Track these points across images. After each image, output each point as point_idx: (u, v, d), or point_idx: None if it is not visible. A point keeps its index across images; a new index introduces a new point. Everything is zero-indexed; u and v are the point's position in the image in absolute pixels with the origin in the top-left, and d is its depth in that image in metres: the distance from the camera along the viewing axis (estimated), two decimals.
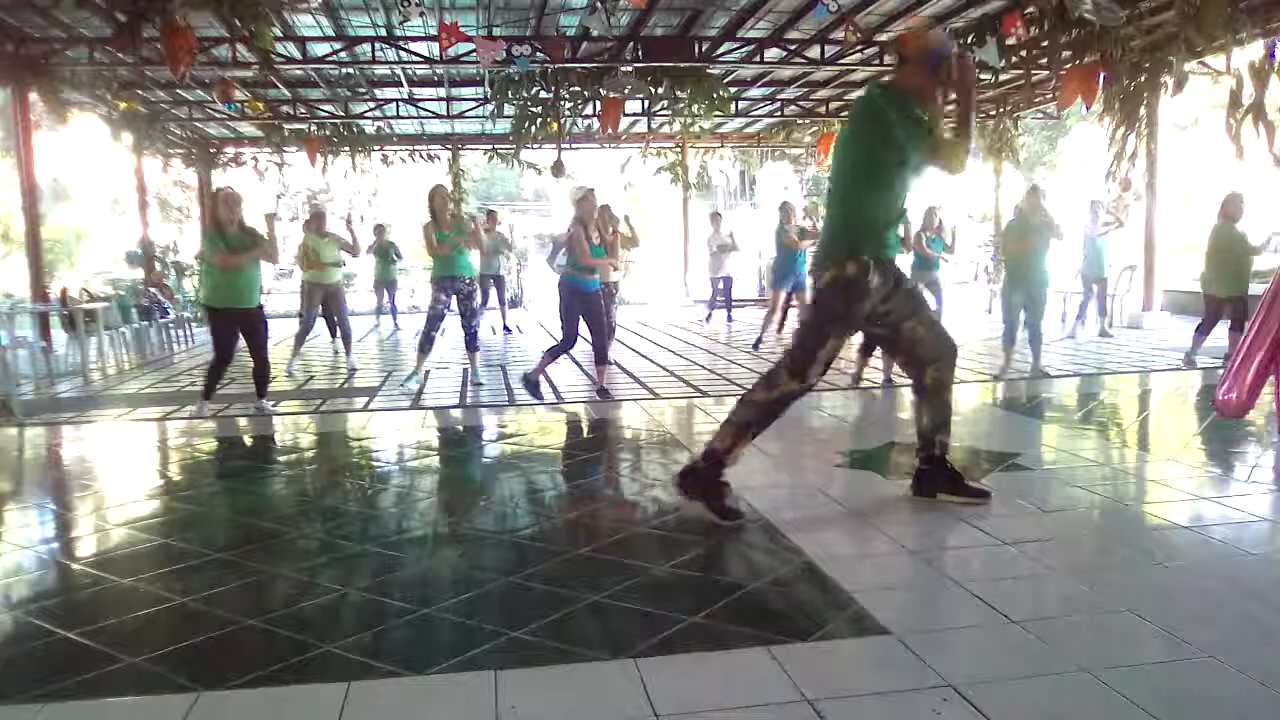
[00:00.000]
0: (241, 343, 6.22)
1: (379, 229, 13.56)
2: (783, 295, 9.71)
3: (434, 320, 7.25)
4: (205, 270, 6.22)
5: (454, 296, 7.24)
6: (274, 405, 6.55)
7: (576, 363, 8.61)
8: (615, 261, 7.37)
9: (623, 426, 5.77)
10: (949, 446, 3.63)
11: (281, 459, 5.10)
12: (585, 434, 5.71)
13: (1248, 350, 3.74)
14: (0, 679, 2.28)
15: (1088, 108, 10.20)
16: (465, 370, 7.92)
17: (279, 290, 17.72)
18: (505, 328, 12.09)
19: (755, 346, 9.45)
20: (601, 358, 6.81)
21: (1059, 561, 2.97)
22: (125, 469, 5.01)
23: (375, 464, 4.90)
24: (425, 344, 7.28)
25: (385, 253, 13.10)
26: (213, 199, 6.50)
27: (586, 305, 6.61)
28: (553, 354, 6.62)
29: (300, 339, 8.78)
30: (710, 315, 13.47)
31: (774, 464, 4.43)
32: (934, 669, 2.18)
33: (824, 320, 3.40)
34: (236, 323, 6.14)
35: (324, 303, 8.83)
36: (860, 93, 3.54)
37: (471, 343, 7.38)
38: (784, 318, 10.16)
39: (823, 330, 3.39)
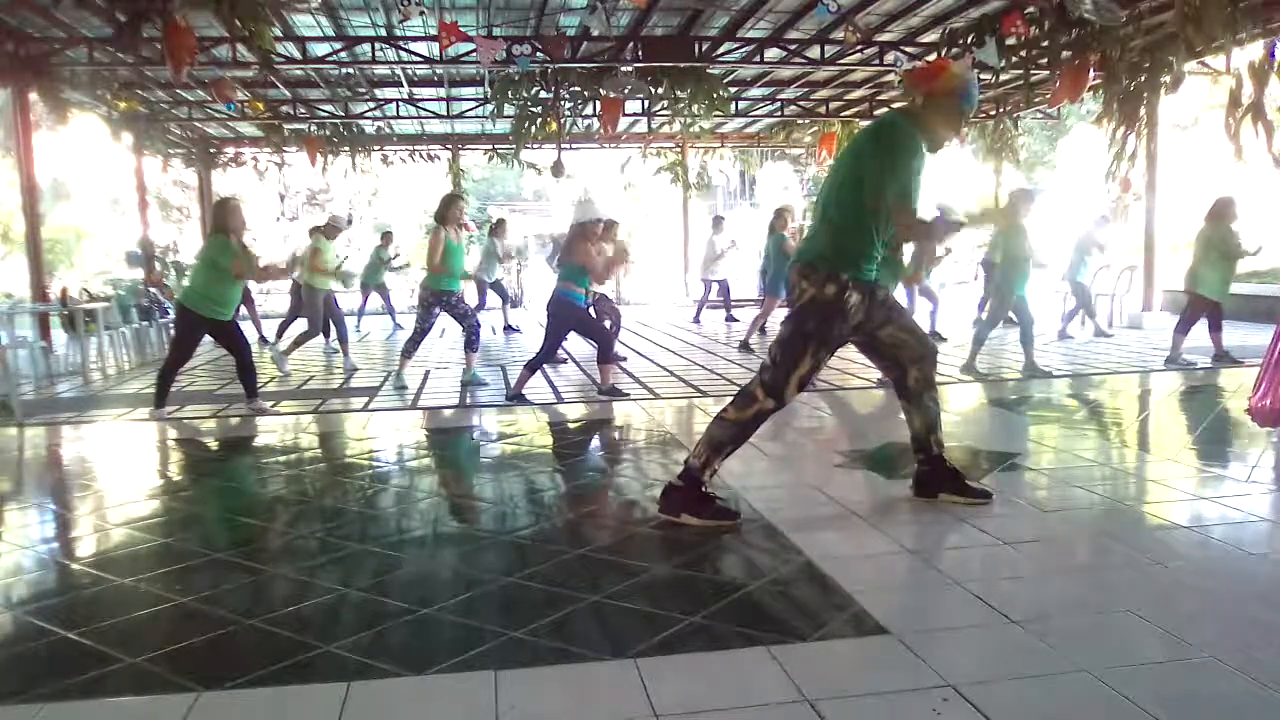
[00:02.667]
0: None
1: (387, 235, 13.71)
2: (777, 302, 9.71)
3: (423, 333, 7.34)
4: (208, 277, 6.09)
5: (443, 309, 7.26)
6: (273, 405, 6.55)
7: (577, 363, 8.61)
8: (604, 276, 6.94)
9: (622, 426, 5.77)
10: (944, 445, 3.63)
11: (281, 459, 5.10)
12: (585, 434, 5.71)
13: (1278, 355, 3.72)
14: (0, 679, 2.28)
15: (1072, 101, 10.22)
16: (464, 370, 7.92)
17: (278, 290, 17.69)
18: (507, 327, 12.15)
19: (744, 348, 9.43)
20: (605, 357, 6.79)
21: (1059, 561, 2.97)
22: (125, 469, 5.01)
23: (375, 464, 4.89)
24: (410, 349, 7.38)
25: (384, 259, 13.32)
26: (222, 206, 6.26)
27: (579, 317, 6.63)
28: (531, 368, 6.61)
29: (301, 342, 8.78)
30: (699, 315, 13.50)
31: (774, 464, 4.43)
32: (934, 669, 2.18)
33: (800, 338, 3.33)
34: (208, 332, 6.19)
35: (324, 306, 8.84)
36: (880, 115, 3.43)
37: (473, 344, 7.39)
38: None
39: (799, 349, 3.32)
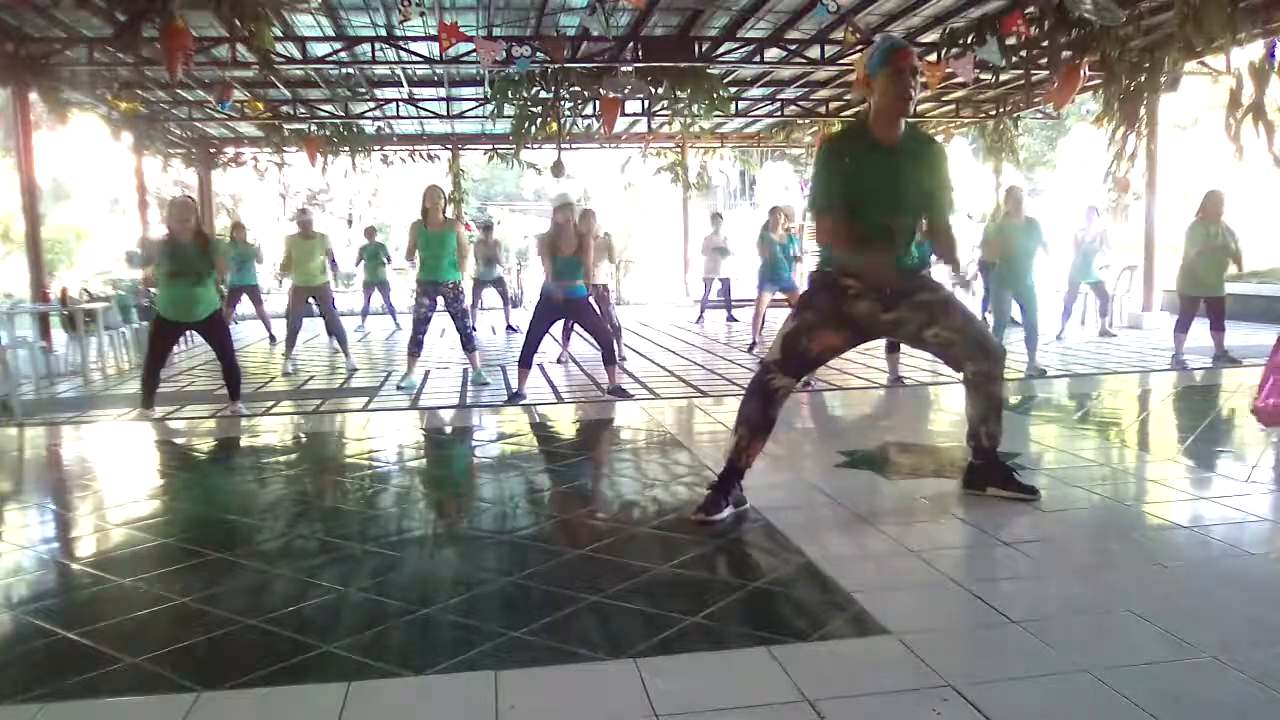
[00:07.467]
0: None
1: (369, 230, 13.86)
2: (767, 297, 9.64)
3: (420, 324, 7.30)
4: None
5: (439, 300, 7.22)
6: (247, 410, 6.46)
7: (578, 364, 8.61)
8: (574, 282, 6.55)
9: (623, 426, 5.77)
10: (998, 439, 3.62)
11: (281, 459, 5.10)
12: (585, 434, 5.70)
13: None
14: (0, 679, 2.28)
15: (1062, 104, 10.24)
16: (465, 371, 7.92)
17: (279, 291, 17.73)
18: (509, 328, 12.18)
19: (751, 349, 9.41)
20: (609, 358, 6.78)
21: (1059, 561, 2.97)
22: (125, 469, 5.01)
23: (374, 464, 4.89)
24: (414, 347, 7.32)
25: (375, 254, 13.33)
26: (169, 205, 6.40)
27: (582, 309, 6.62)
28: (524, 363, 6.60)
29: (290, 341, 8.74)
30: (702, 315, 13.49)
31: (774, 464, 4.42)
32: (934, 669, 2.18)
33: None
34: (183, 333, 6.24)
35: (316, 304, 8.77)
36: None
37: (468, 344, 7.37)
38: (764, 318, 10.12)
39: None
